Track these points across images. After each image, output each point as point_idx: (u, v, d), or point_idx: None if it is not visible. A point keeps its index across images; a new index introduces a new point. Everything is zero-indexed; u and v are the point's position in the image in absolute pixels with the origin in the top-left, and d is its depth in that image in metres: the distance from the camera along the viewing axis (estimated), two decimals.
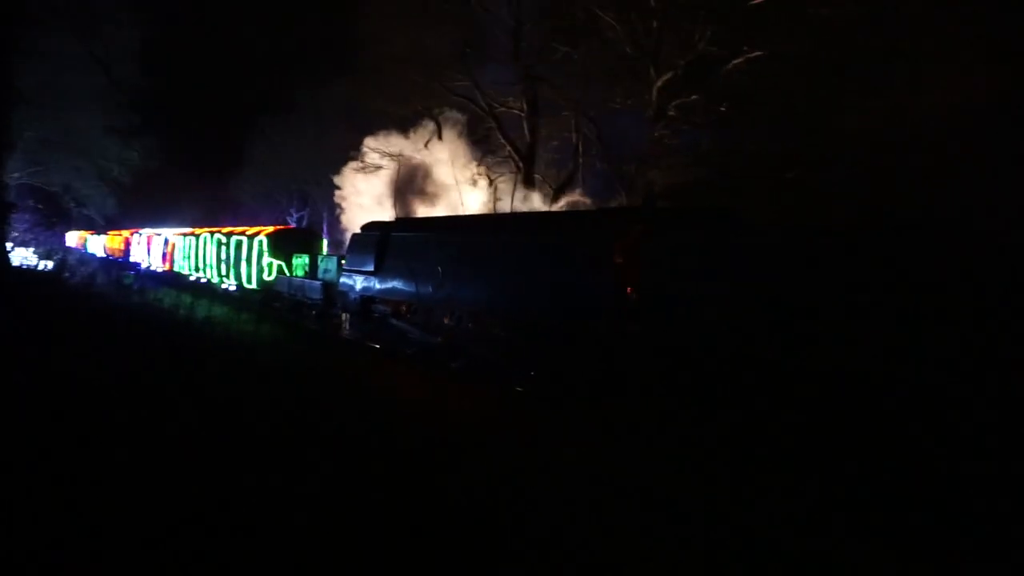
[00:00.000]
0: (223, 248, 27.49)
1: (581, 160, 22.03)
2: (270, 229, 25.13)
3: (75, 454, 5.41)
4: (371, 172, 28.50)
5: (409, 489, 5.62)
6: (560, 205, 23.23)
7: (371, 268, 16.27)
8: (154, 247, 37.33)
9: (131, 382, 7.54)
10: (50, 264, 19.39)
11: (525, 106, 23.63)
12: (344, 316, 18.78)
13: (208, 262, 29.14)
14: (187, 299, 16.84)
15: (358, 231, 18.41)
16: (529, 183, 24.51)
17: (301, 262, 22.28)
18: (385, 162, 27.37)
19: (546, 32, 21.91)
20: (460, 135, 25.99)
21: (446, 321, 14.03)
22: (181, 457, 5.49)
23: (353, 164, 29.01)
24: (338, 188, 31.09)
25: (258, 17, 60.61)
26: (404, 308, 15.66)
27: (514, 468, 6.84)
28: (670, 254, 9.68)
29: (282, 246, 23.62)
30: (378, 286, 16.18)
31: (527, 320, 11.82)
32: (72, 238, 52.78)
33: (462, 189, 25.65)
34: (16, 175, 34.66)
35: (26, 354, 8.32)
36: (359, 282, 16.94)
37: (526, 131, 23.98)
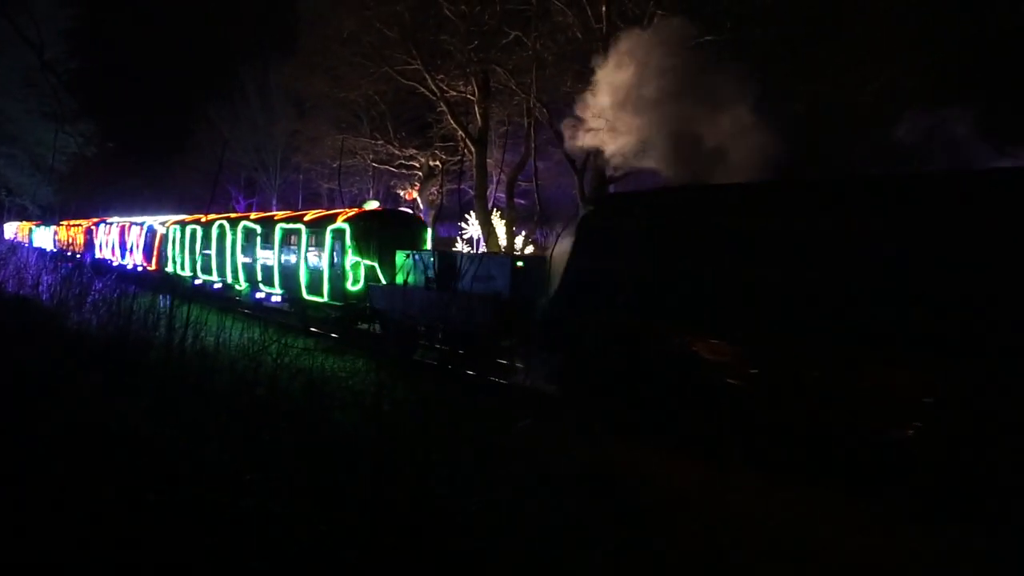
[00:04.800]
0: (258, 243, 19.75)
1: (533, 145, 21.98)
2: (350, 212, 17.14)
3: None
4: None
5: None
6: None
7: (637, 274, 9.27)
8: (131, 240, 30.17)
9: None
10: None
11: (476, 90, 23.44)
12: (541, 359, 10.90)
13: (228, 264, 21.41)
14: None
15: (589, 212, 11.17)
16: (481, 168, 24.40)
17: (418, 263, 14.29)
18: None
19: (497, 14, 21.73)
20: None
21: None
22: None
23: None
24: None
25: None
26: (740, 360, 8.18)
27: None
28: None
29: (374, 239, 15.99)
30: (667, 309, 8.95)
31: None
32: (10, 229, 46.33)
33: None
34: None
35: None
36: (602, 298, 9.67)
37: (477, 116, 23.81)
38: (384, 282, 15.29)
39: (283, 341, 8.73)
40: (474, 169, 24.59)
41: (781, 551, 5.75)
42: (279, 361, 7.75)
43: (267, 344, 8.57)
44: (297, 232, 17.89)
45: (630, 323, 9.18)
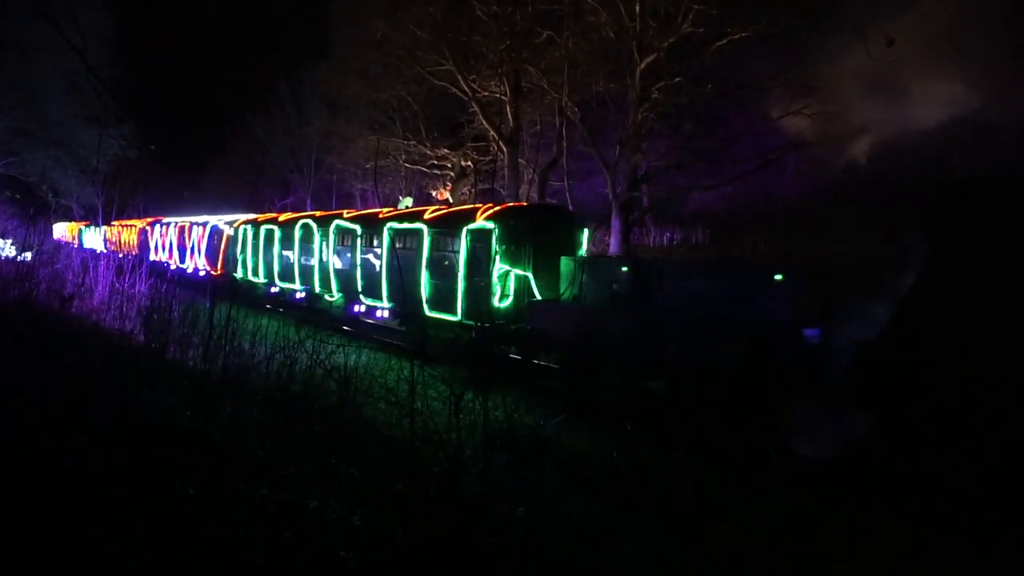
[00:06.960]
0: (358, 246, 16.55)
1: (565, 145, 21.96)
2: (493, 207, 13.86)
3: None
4: None
5: None
6: None
7: None
8: (192, 242, 27.71)
9: None
10: (28, 256, 18.32)
11: (508, 91, 23.50)
12: None
13: (316, 270, 18.32)
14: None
15: (947, 209, 7.63)
16: (513, 168, 24.45)
17: (597, 273, 11.34)
18: None
19: (529, 15, 21.77)
20: None
21: None
22: None
23: None
24: None
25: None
26: None
27: None
28: None
29: (527, 241, 12.88)
30: None
31: None
32: (59, 230, 44.64)
33: None
34: None
35: None
36: (980, 344, 6.58)
37: (509, 116, 23.86)
38: (538, 296, 12.32)
39: (317, 338, 8.84)
40: (506, 169, 24.66)
41: None
42: (314, 359, 7.88)
43: (302, 340, 8.70)
44: (416, 233, 14.60)
45: None
